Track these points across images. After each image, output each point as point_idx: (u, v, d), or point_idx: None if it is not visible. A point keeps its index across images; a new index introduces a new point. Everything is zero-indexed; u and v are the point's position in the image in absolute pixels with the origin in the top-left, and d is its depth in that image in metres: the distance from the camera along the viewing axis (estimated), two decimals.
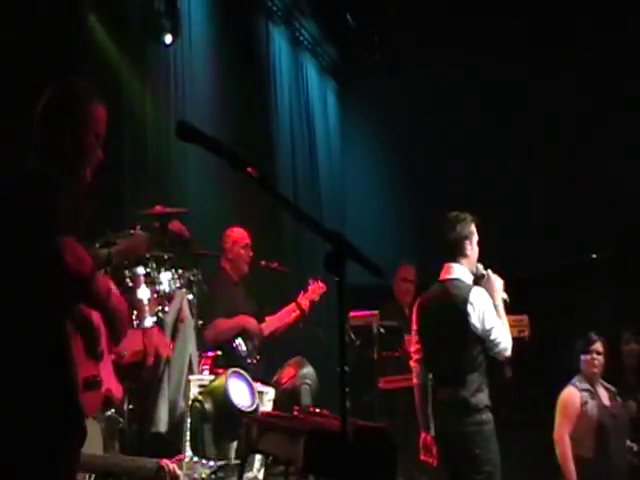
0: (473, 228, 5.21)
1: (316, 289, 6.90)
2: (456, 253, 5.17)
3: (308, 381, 6.21)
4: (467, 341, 5.01)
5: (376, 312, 7.46)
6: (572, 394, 6.38)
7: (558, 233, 9.16)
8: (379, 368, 7.34)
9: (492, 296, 5.14)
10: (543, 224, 9.21)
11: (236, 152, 3.35)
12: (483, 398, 4.98)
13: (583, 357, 6.37)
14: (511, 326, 6.96)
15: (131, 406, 5.49)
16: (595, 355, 6.38)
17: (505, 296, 5.25)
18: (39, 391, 3.05)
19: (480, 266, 5.24)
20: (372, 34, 10.51)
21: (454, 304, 5.04)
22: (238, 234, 7.03)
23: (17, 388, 3.05)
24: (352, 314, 7.43)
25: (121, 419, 5.36)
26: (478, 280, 5.22)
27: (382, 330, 7.35)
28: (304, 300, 6.88)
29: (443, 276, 5.23)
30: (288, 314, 6.91)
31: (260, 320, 6.86)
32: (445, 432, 5.09)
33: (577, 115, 9.56)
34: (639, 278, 7.88)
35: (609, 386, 6.50)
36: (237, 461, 4.88)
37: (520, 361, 7.46)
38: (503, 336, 5.03)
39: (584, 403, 6.30)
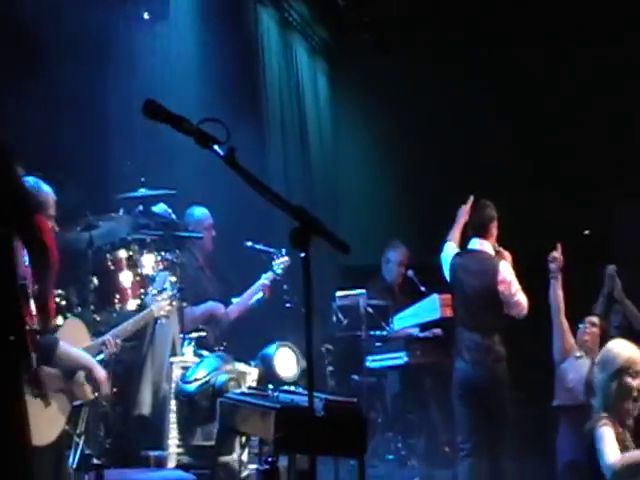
0: (495, 212, 6.29)
1: (279, 262, 6.80)
2: (485, 232, 6.27)
3: None
4: (495, 302, 6.13)
5: (364, 291, 7.42)
6: None
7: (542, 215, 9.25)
8: (367, 347, 7.33)
9: None
10: (526, 207, 9.20)
11: (202, 130, 3.34)
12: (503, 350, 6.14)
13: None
14: None
15: (115, 389, 5.48)
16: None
17: None
18: None
19: (495, 244, 6.35)
20: (362, 13, 10.47)
21: (486, 272, 6.16)
22: (200, 214, 6.88)
23: None
24: (339, 293, 7.41)
25: (104, 402, 5.36)
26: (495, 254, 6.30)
27: (369, 309, 7.30)
28: (269, 277, 6.79)
29: (475, 247, 6.30)
30: (253, 294, 6.82)
31: (228, 298, 6.82)
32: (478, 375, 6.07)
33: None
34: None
35: None
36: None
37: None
38: (523, 299, 6.14)
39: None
